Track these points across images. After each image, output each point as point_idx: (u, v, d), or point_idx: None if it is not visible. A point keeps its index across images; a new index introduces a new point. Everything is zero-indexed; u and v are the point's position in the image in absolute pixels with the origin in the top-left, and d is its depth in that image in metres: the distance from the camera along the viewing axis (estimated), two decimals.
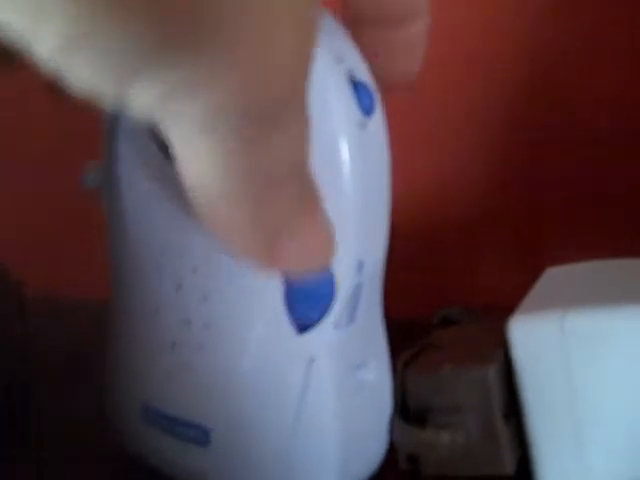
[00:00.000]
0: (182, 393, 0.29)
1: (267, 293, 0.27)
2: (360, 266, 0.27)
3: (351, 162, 0.26)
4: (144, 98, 0.17)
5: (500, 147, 0.47)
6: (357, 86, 0.26)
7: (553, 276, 0.35)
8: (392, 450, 0.30)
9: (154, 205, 0.29)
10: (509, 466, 0.30)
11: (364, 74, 0.27)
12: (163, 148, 0.28)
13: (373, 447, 0.29)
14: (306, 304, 0.27)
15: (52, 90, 0.19)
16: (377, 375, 0.29)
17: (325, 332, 0.27)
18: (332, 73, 0.26)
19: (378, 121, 0.27)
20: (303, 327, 0.27)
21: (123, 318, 0.30)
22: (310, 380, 0.27)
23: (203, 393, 0.28)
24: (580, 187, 0.46)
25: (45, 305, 0.44)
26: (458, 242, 0.48)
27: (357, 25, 0.27)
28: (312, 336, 0.27)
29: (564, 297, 0.31)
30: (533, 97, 0.46)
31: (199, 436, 0.28)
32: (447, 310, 0.40)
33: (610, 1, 0.44)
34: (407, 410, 0.30)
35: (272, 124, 0.19)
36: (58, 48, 0.16)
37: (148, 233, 0.29)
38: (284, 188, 0.21)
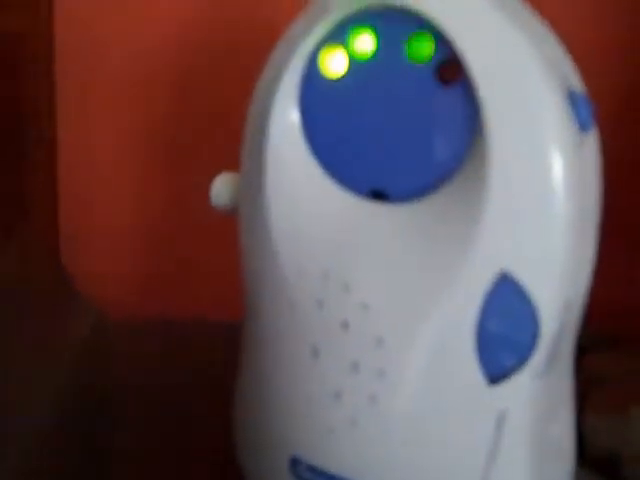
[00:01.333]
0: (345, 449, 0.25)
1: (455, 337, 0.23)
2: (568, 306, 0.23)
3: (566, 190, 0.22)
4: None
5: None
6: (574, 97, 0.22)
7: None
8: None
9: (310, 228, 0.24)
10: None
11: (579, 84, 0.23)
12: (323, 160, 0.24)
13: None
14: (502, 351, 0.23)
15: None
16: (565, 425, 0.25)
17: (522, 383, 0.23)
18: (546, 80, 0.22)
19: (594, 138, 0.23)
20: (496, 377, 0.23)
21: (269, 358, 0.26)
22: (501, 438, 0.23)
23: (373, 451, 0.24)
24: None
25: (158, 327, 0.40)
26: None
27: None
28: (506, 387, 0.23)
29: None
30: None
31: None
32: None
33: None
34: (585, 457, 0.27)
35: None
36: None
37: (304, 262, 0.24)
38: None
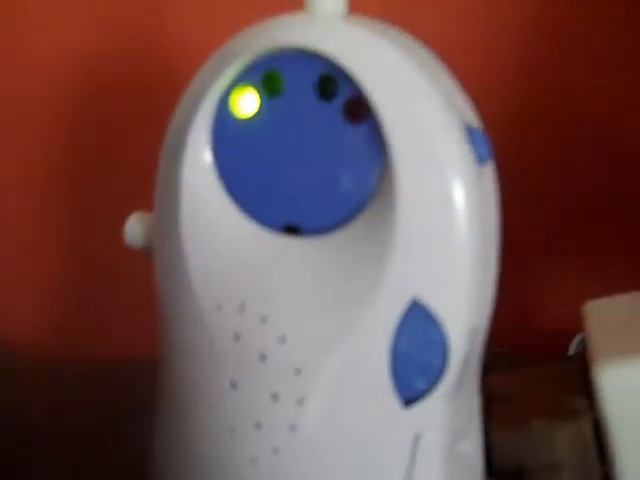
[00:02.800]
0: (268, 479, 0.25)
1: (370, 363, 0.24)
2: (474, 332, 0.24)
3: (468, 220, 0.23)
4: None
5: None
6: (471, 132, 0.24)
7: (603, 312, 0.33)
8: None
9: (226, 264, 0.25)
10: None
11: (475, 119, 0.24)
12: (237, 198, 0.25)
13: None
14: (415, 375, 0.24)
15: None
16: (473, 443, 0.27)
17: (434, 405, 0.24)
18: (445, 117, 0.23)
19: (491, 170, 0.25)
20: (410, 400, 0.24)
21: (187, 393, 0.26)
22: (416, 458, 0.24)
23: (296, 477, 0.25)
24: (569, 202, 0.45)
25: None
26: None
27: None
28: (420, 409, 0.24)
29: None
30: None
31: None
32: None
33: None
34: (493, 472, 0.28)
35: None
36: None
37: (221, 297, 0.25)
38: None
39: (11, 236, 0.44)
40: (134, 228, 0.27)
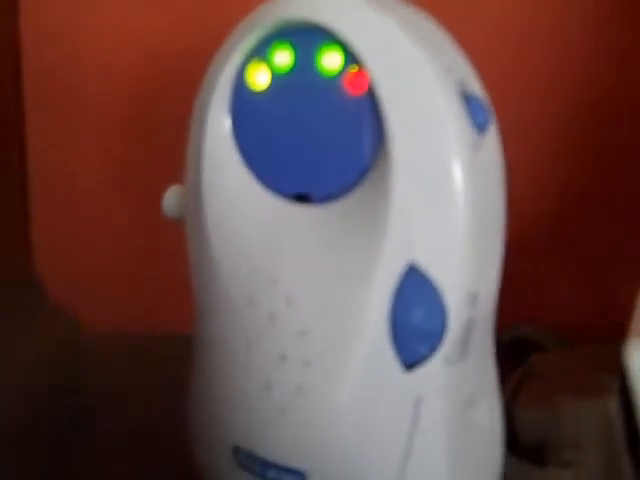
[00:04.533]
0: (277, 436, 0.26)
1: (371, 326, 0.25)
2: (474, 298, 0.25)
3: (464, 187, 0.24)
4: None
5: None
6: (469, 100, 0.24)
7: None
8: None
9: (242, 230, 0.27)
10: None
11: (476, 86, 0.25)
12: (253, 167, 0.26)
13: None
14: (414, 338, 0.24)
15: None
16: (488, 413, 0.27)
17: (435, 369, 0.25)
18: (440, 85, 0.24)
19: (493, 139, 0.25)
20: (411, 363, 0.25)
21: (211, 355, 0.28)
22: (419, 422, 0.25)
23: (301, 436, 0.26)
24: None
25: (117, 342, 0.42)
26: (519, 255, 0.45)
27: None
28: (421, 373, 0.25)
29: None
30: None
31: None
32: (519, 328, 0.37)
33: None
34: (517, 446, 0.28)
35: None
36: None
37: (236, 261, 0.26)
38: None
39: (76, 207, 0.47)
40: (171, 199, 0.29)
